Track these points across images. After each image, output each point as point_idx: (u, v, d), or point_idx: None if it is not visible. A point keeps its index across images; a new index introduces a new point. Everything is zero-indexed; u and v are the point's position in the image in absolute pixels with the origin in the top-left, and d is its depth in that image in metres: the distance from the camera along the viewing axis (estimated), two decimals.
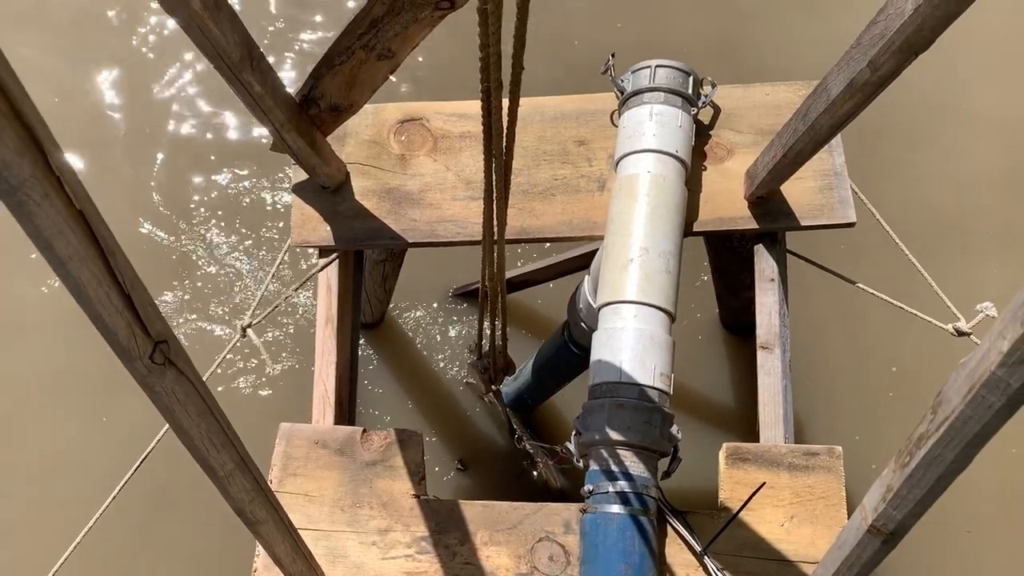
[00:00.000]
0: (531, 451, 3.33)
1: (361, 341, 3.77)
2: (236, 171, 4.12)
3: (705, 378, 3.69)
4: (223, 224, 4.00)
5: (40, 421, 3.58)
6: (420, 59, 4.33)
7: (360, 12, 1.93)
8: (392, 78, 2.28)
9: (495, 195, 1.93)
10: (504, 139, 1.77)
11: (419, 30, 1.94)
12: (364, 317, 3.68)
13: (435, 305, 3.88)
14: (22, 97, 0.87)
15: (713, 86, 2.64)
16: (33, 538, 3.32)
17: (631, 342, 2.23)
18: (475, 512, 2.33)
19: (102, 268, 1.11)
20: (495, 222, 2.05)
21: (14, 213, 0.95)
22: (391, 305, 3.78)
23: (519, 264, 3.74)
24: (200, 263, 3.91)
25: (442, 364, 3.79)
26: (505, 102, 1.72)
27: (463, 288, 3.84)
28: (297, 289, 2.64)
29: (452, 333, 3.83)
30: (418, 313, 3.87)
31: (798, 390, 3.06)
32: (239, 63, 1.84)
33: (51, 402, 3.61)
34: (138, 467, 2.28)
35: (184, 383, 1.37)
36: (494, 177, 1.87)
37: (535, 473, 3.46)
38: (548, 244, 3.66)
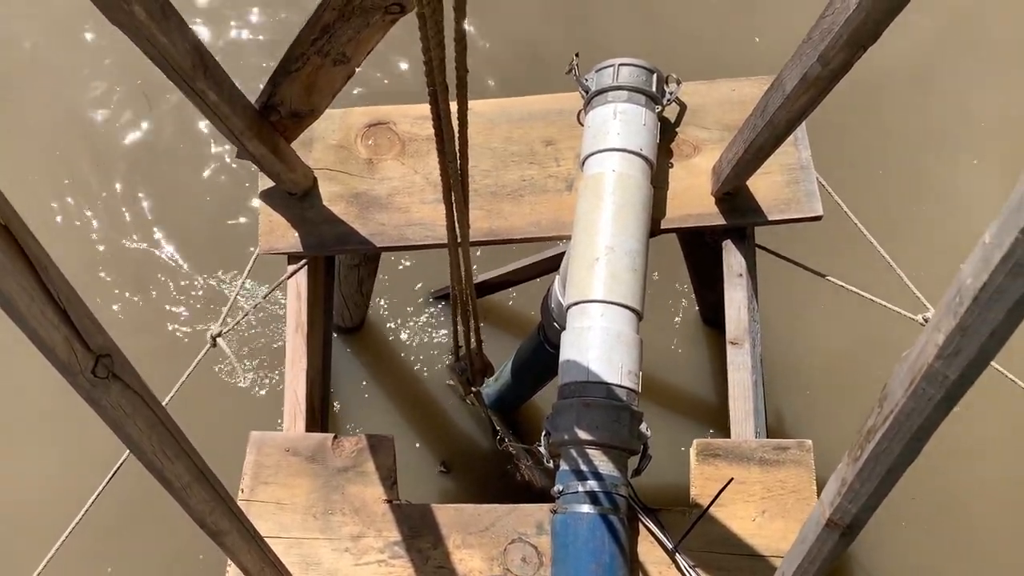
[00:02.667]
0: (513, 452, 3.32)
1: (344, 346, 3.77)
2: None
3: (686, 374, 3.68)
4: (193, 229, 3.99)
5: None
6: (387, 61, 4.31)
7: (311, 18, 1.92)
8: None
9: (453, 198, 1.93)
10: (456, 142, 1.76)
11: (372, 34, 1.94)
12: (344, 322, 3.67)
13: (415, 307, 3.87)
14: None
15: (678, 83, 2.63)
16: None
17: (598, 341, 2.23)
18: (448, 515, 2.33)
19: (32, 283, 1.11)
20: (456, 225, 2.05)
21: None
22: (370, 309, 3.77)
23: (501, 264, 3.73)
24: (169, 270, 3.90)
25: (424, 366, 3.78)
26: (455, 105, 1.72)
27: (442, 290, 3.83)
28: (266, 296, 2.63)
29: (433, 335, 3.82)
30: (398, 316, 3.86)
31: (771, 386, 3.06)
32: (191, 72, 1.83)
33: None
34: (107, 483, 2.27)
35: (131, 396, 1.36)
36: (451, 180, 1.87)
37: (518, 474, 3.46)
38: (527, 244, 3.65)
